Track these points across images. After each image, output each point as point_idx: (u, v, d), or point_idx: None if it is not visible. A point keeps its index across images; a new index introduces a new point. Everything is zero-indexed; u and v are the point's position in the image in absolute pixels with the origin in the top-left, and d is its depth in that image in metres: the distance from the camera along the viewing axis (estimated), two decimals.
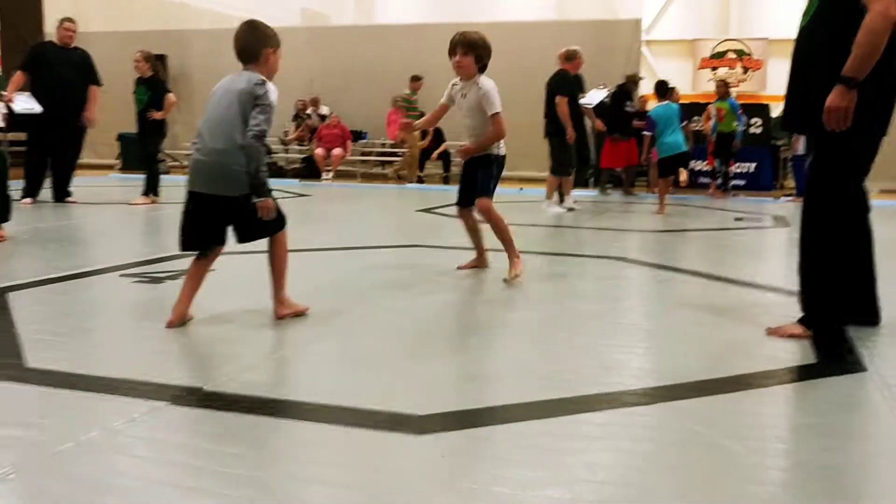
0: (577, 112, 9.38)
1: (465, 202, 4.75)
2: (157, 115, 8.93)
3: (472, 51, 4.52)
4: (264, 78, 3.34)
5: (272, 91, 3.30)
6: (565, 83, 9.24)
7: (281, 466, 2.01)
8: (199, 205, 3.30)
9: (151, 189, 9.09)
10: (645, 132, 9.91)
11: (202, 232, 3.35)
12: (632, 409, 2.45)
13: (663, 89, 9.67)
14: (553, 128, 9.24)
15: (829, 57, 3.12)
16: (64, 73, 8.83)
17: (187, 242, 3.37)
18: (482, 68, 4.62)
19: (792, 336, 3.31)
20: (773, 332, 3.38)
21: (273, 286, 3.45)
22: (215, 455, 2.04)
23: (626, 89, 12.04)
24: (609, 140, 11.72)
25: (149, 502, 1.76)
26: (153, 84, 8.99)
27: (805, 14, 3.35)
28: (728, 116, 11.61)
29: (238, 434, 2.21)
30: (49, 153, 8.96)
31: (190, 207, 3.33)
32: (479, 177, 4.62)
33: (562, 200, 9.40)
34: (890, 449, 2.19)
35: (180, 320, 3.31)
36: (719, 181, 11.76)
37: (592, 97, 9.94)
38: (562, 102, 9.07)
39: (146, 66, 8.97)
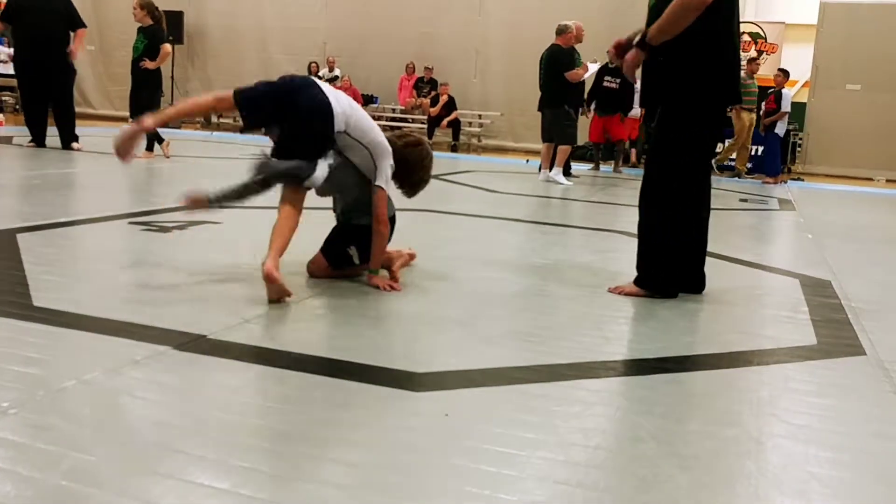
0: (571, 85, 9.47)
1: None
2: (149, 65, 8.74)
3: None
4: None
5: None
6: (562, 57, 9.37)
7: (280, 415, 2.03)
8: None
9: (156, 142, 8.91)
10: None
11: None
12: (629, 378, 2.47)
13: None
14: (550, 100, 9.43)
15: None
16: (43, 20, 8.73)
17: None
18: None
19: (629, 294, 3.54)
20: (612, 290, 3.61)
21: None
22: (217, 401, 2.06)
23: (607, 64, 12.04)
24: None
25: (148, 441, 1.78)
26: (150, 33, 8.81)
27: None
28: None
29: (241, 382, 2.23)
30: (40, 100, 8.93)
31: None
32: None
33: (550, 168, 9.46)
34: (890, 429, 2.21)
35: None
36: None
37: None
38: (571, 74, 9.28)
39: (142, 13, 8.78)
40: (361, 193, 3.42)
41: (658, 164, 3.58)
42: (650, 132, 4.09)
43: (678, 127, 3.47)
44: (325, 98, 3.23)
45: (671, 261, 3.55)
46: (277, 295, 3.02)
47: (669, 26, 3.31)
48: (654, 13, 3.51)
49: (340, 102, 3.29)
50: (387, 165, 3.37)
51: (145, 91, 8.91)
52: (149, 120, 3.28)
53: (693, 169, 3.53)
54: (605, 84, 11.82)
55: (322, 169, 3.22)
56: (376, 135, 3.38)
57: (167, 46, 8.87)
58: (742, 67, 12.03)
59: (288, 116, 3.22)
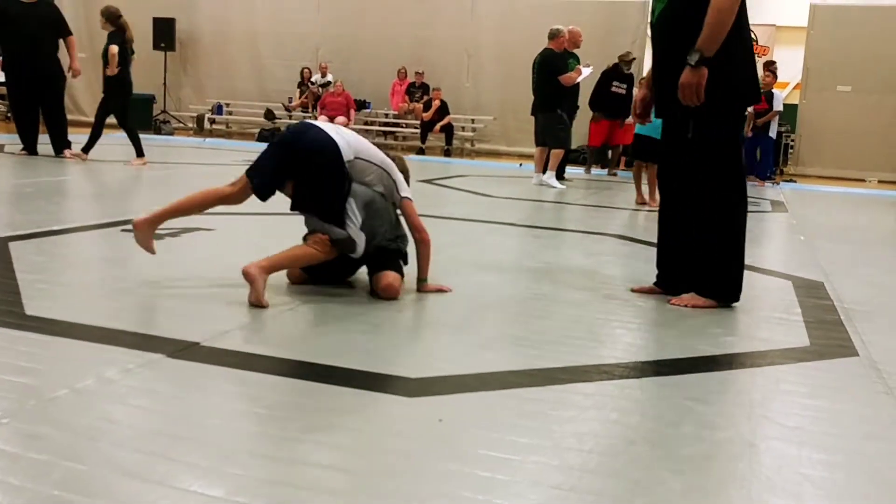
0: (564, 89, 9.50)
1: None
2: (108, 71, 8.67)
3: None
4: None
5: None
6: (555, 61, 9.40)
7: (274, 422, 2.02)
8: None
9: (136, 149, 8.69)
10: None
11: None
12: (623, 382, 2.47)
13: None
14: (542, 104, 9.46)
15: (682, 40, 3.29)
16: (29, 28, 8.66)
17: None
18: None
19: (696, 306, 3.46)
20: (677, 301, 3.53)
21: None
22: (210, 409, 2.06)
23: (616, 70, 12.07)
24: (592, 119, 11.88)
25: (141, 450, 1.78)
26: (109, 39, 8.77)
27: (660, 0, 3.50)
28: None
29: (234, 389, 2.23)
30: (31, 107, 8.91)
31: None
32: None
33: (544, 171, 9.49)
34: (883, 431, 2.21)
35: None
36: None
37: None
38: (565, 78, 9.32)
39: (102, 21, 8.77)
40: (389, 226, 3.47)
41: (691, 166, 3.47)
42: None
43: (705, 127, 3.38)
44: (327, 135, 3.29)
45: (731, 264, 3.48)
46: (255, 300, 3.05)
47: (717, 33, 3.21)
48: (658, 29, 3.50)
49: (343, 135, 3.36)
50: (401, 177, 3.50)
51: (112, 97, 8.82)
52: (150, 218, 3.44)
53: (723, 168, 3.43)
54: (614, 90, 11.85)
55: (360, 239, 3.28)
56: (383, 155, 3.50)
57: (112, 48, 8.72)
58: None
59: (297, 164, 3.28)
